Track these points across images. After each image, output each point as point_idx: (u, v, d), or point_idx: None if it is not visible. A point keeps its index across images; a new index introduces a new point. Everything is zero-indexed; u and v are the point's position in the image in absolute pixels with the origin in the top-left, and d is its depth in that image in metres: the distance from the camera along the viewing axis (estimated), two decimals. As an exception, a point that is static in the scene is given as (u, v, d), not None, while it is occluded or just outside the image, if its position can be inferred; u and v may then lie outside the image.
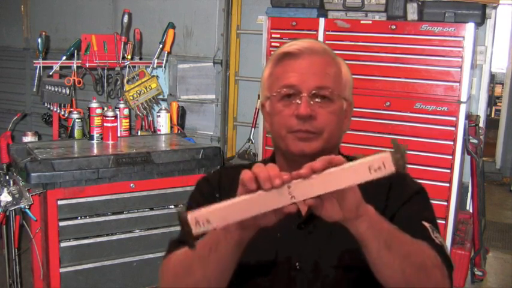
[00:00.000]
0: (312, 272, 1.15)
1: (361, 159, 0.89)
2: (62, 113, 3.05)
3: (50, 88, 2.99)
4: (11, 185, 2.34)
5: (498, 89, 7.39)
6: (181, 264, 1.07)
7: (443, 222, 2.94)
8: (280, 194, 0.89)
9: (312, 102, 1.13)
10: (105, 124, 2.82)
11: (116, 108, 3.01)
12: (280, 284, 1.15)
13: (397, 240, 0.99)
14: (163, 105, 3.37)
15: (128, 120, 3.07)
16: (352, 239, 1.14)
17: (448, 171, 2.90)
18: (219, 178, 1.29)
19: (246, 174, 0.91)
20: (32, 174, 2.33)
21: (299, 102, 1.13)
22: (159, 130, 3.19)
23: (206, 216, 0.89)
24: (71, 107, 3.06)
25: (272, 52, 1.26)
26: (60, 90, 3.00)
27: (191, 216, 0.89)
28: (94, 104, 2.84)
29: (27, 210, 2.33)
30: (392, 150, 0.89)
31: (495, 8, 3.27)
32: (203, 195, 1.25)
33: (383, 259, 0.98)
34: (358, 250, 1.15)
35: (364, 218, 0.95)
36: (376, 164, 0.88)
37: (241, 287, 1.13)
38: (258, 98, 3.33)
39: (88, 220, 2.49)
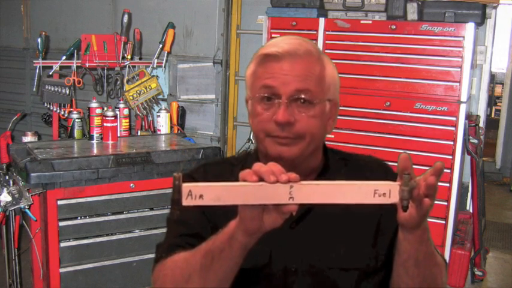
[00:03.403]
0: (307, 273, 1.14)
1: (370, 182, 0.89)
2: (62, 113, 3.04)
3: (50, 88, 2.99)
4: (11, 185, 2.34)
5: (498, 89, 7.39)
6: (180, 272, 1.05)
7: (443, 222, 2.94)
8: (281, 190, 0.88)
9: (291, 107, 1.10)
10: (105, 124, 2.82)
11: (115, 108, 3.01)
12: (276, 286, 1.14)
13: (427, 262, 1.04)
14: (163, 105, 3.37)
15: (127, 120, 3.07)
16: (345, 239, 1.14)
17: (448, 171, 2.90)
18: (204, 175, 1.24)
19: (246, 170, 0.90)
20: (32, 174, 2.33)
21: (278, 106, 1.10)
22: (159, 130, 3.19)
23: (201, 191, 0.87)
24: (71, 107, 3.06)
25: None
26: (60, 90, 3.00)
27: (186, 186, 0.87)
28: (94, 104, 2.84)
29: (27, 210, 2.33)
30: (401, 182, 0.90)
31: (495, 8, 3.27)
32: None
33: (408, 270, 1.04)
34: (354, 251, 1.15)
35: (421, 228, 0.98)
36: (382, 190, 0.89)
37: None
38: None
39: (88, 220, 2.49)
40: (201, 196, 0.87)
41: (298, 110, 1.11)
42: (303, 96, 1.11)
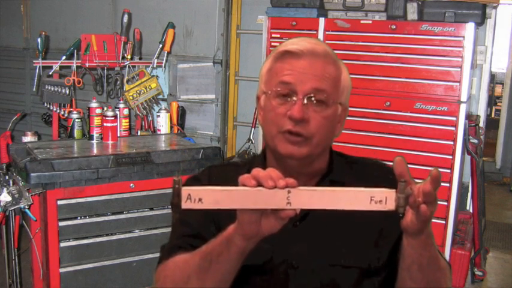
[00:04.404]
0: (309, 270, 1.15)
1: (366, 189, 0.91)
2: (62, 113, 3.04)
3: (49, 88, 2.99)
4: (11, 185, 2.34)
5: (498, 89, 7.39)
6: (180, 273, 1.07)
7: (443, 222, 2.94)
8: (278, 196, 0.89)
9: (306, 105, 1.12)
10: (105, 124, 2.82)
11: (115, 108, 3.01)
12: (278, 283, 1.15)
13: (430, 266, 1.04)
14: (163, 105, 3.36)
15: (127, 120, 3.07)
16: (348, 238, 1.15)
17: (448, 171, 2.90)
18: (209, 177, 1.26)
19: (245, 175, 0.91)
20: (32, 174, 2.33)
21: (294, 102, 1.11)
22: (159, 130, 3.19)
23: (200, 195, 0.89)
24: (71, 107, 3.06)
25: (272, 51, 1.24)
26: (60, 90, 3.00)
27: (185, 189, 0.88)
28: (94, 104, 2.84)
29: (27, 210, 2.33)
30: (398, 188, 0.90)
31: (495, 8, 3.27)
32: None
33: (412, 274, 1.05)
34: (356, 249, 1.16)
35: (424, 234, 0.98)
36: (378, 197, 0.90)
37: (238, 287, 1.12)
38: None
39: (88, 220, 2.49)
40: (200, 200, 0.89)
41: (312, 109, 1.12)
42: (319, 96, 1.12)
